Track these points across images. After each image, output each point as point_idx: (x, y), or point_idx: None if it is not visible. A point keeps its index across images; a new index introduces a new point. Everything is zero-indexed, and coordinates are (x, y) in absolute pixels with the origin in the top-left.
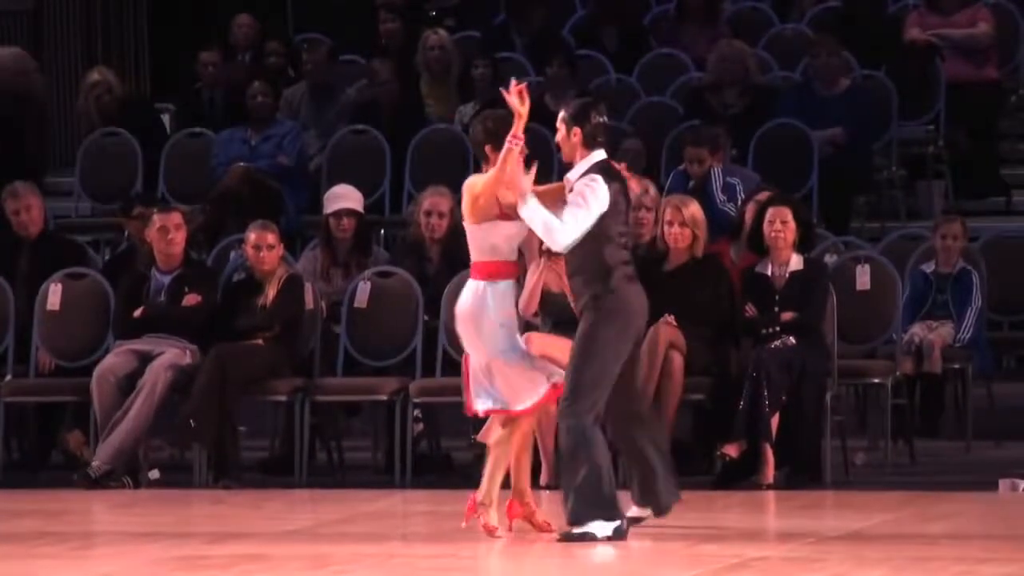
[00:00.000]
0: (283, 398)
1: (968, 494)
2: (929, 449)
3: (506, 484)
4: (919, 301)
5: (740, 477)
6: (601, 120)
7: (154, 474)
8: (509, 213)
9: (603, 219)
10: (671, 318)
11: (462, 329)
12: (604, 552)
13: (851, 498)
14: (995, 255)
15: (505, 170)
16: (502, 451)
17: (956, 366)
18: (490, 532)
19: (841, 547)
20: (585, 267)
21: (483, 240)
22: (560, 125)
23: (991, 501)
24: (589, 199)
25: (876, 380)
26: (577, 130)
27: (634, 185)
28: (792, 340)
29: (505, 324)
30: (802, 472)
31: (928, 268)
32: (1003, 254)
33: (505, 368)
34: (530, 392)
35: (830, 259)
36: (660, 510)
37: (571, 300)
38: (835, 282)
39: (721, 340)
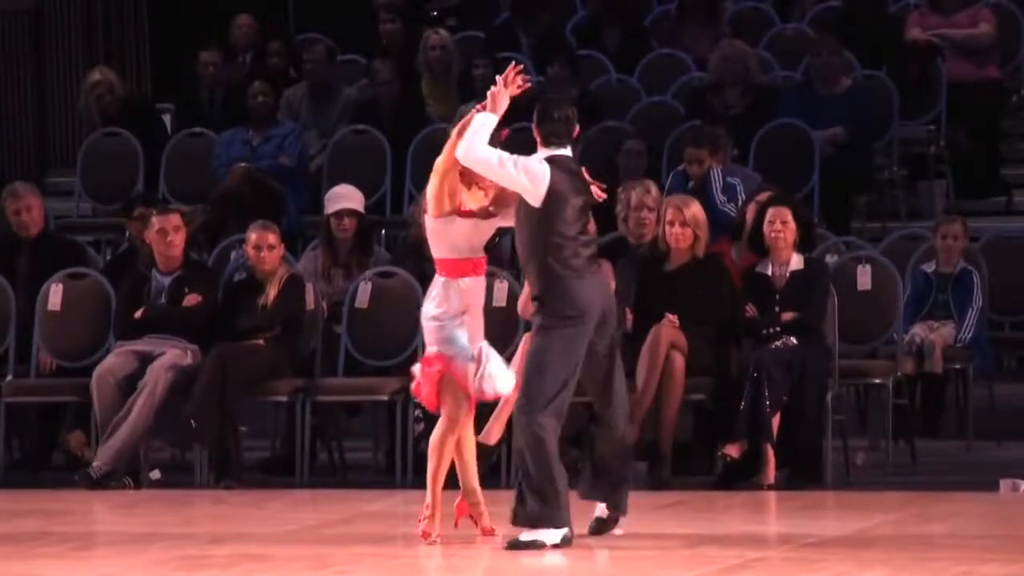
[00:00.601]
0: (284, 398)
1: (969, 494)
2: (930, 449)
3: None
4: (920, 301)
5: (741, 477)
6: (560, 118)
7: (155, 474)
8: (473, 212)
9: (547, 213)
10: (673, 318)
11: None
12: (605, 552)
13: (852, 498)
14: (996, 255)
15: (463, 135)
16: (435, 455)
17: (957, 366)
18: (425, 536)
19: (842, 547)
20: (535, 261)
21: (442, 237)
22: None
23: (992, 501)
24: (513, 159)
25: (877, 380)
26: (535, 127)
27: (597, 191)
28: (793, 340)
29: (439, 318)
30: (803, 472)
31: (929, 268)
32: (1004, 254)
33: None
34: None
35: (831, 259)
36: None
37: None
38: (836, 282)
39: (722, 340)
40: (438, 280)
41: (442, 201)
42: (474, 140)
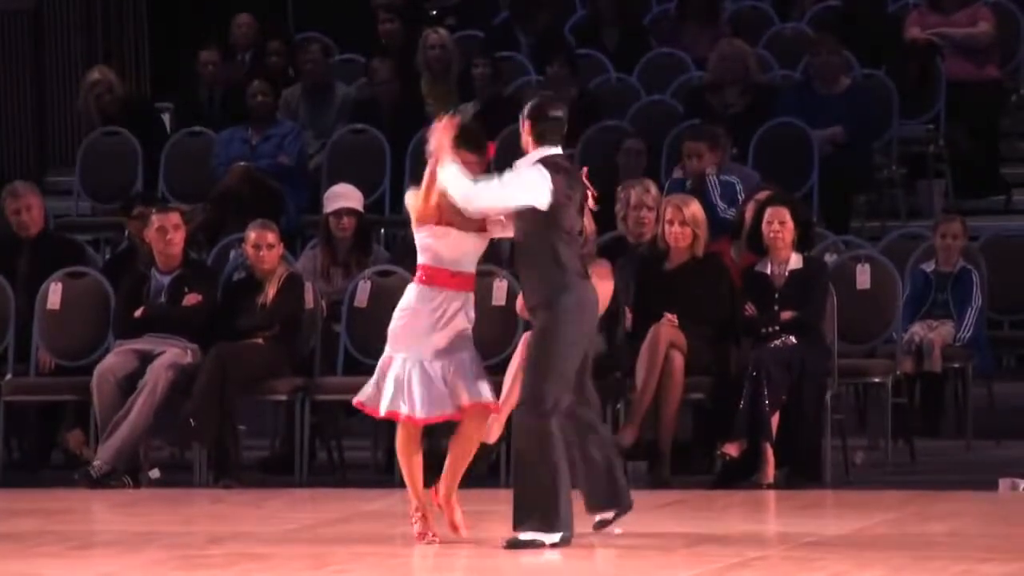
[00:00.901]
0: (283, 397)
1: (968, 493)
2: (929, 448)
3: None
4: (919, 300)
5: (740, 476)
6: (557, 117)
7: (154, 473)
8: (450, 222)
9: (553, 213)
10: (672, 317)
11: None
12: (604, 551)
13: (851, 497)
14: (995, 254)
15: (432, 182)
16: (403, 462)
17: (956, 365)
18: (422, 537)
19: (841, 546)
20: (539, 262)
21: (422, 240)
22: (522, 118)
23: (991, 500)
24: (511, 178)
25: (876, 379)
26: (528, 125)
27: (590, 200)
28: (792, 339)
29: (404, 316)
30: (802, 471)
31: (928, 267)
32: (1003, 253)
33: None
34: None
35: (830, 258)
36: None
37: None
38: (835, 281)
39: (721, 339)
40: (410, 287)
41: (425, 217)
42: (464, 192)
